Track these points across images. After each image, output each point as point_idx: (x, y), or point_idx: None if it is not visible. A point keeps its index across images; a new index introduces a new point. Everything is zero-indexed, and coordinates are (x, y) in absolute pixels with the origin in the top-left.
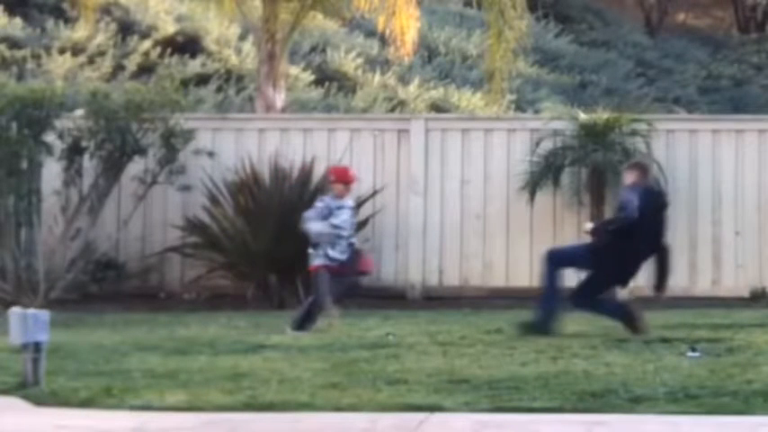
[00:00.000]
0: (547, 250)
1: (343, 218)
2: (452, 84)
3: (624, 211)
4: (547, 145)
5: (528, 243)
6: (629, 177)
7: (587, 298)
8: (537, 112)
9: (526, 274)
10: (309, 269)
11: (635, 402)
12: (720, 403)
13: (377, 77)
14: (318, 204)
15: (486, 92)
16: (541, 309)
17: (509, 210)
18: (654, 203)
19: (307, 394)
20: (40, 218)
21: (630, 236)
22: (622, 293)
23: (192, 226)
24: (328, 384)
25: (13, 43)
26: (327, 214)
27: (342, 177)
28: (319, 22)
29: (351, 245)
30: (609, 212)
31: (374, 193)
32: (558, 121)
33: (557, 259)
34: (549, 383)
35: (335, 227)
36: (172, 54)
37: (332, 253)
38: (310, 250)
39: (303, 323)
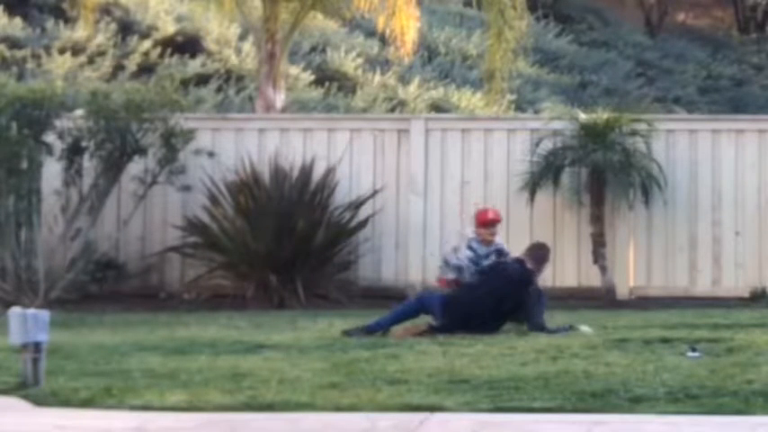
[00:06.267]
0: (420, 294)
1: (488, 261)
2: (452, 84)
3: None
4: (547, 145)
5: (528, 243)
6: (524, 252)
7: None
8: (537, 112)
9: None
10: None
11: (635, 402)
12: (720, 403)
13: (377, 77)
14: (466, 255)
15: (486, 92)
16: (384, 321)
17: (509, 210)
18: (502, 281)
19: (307, 394)
20: (40, 218)
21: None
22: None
23: (192, 226)
24: (328, 384)
25: (13, 43)
26: (477, 261)
27: (480, 221)
28: (319, 22)
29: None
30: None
31: (374, 193)
32: (558, 121)
33: (425, 304)
34: (549, 383)
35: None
36: (172, 54)
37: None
38: (440, 264)
39: None
